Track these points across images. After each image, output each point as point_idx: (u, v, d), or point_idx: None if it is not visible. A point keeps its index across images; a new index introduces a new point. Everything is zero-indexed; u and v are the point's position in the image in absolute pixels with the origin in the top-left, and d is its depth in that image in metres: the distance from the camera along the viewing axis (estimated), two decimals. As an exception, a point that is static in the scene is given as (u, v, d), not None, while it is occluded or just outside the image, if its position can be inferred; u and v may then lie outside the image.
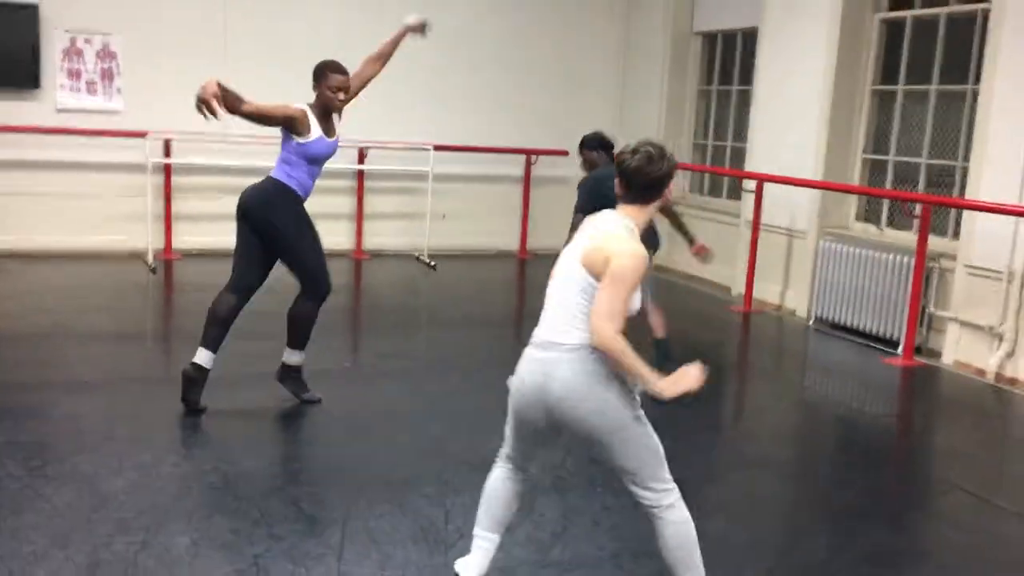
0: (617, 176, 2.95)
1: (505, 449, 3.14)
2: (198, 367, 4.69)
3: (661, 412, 3.07)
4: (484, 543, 3.13)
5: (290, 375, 4.96)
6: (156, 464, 4.13)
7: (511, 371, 2.97)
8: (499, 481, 3.13)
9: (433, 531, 3.63)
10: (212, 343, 4.71)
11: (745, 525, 3.89)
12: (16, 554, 3.26)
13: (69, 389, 5.06)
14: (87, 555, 3.28)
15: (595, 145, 5.86)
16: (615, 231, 2.88)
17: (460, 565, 3.13)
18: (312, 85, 4.73)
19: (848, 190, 7.69)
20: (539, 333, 2.93)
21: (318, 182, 4.90)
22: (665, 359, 5.28)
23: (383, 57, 5.13)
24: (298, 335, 4.88)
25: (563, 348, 2.84)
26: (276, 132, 4.72)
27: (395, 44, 5.18)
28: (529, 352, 2.94)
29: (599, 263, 2.81)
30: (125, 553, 3.31)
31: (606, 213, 2.96)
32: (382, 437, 4.65)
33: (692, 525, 2.94)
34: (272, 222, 4.65)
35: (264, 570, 3.26)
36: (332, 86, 4.67)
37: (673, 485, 2.94)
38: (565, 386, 2.82)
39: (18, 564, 3.19)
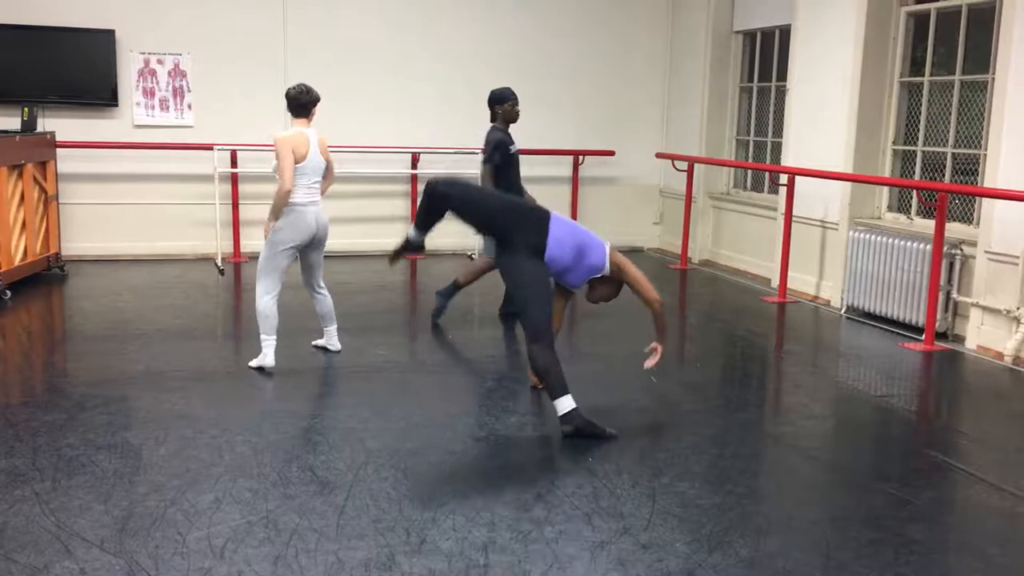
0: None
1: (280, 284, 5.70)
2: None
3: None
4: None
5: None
6: (195, 437, 4.64)
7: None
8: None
9: (428, 492, 4.04)
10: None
11: (772, 499, 4.19)
12: (64, 507, 3.79)
13: (132, 379, 5.63)
14: (123, 509, 3.79)
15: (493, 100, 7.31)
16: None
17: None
18: None
19: (868, 181, 7.79)
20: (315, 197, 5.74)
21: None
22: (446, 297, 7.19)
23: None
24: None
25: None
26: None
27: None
28: (314, 209, 5.71)
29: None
30: (156, 508, 3.81)
31: None
32: (400, 417, 5.08)
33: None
34: None
35: (273, 522, 3.71)
36: None
37: None
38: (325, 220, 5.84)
39: (65, 515, 3.72)
